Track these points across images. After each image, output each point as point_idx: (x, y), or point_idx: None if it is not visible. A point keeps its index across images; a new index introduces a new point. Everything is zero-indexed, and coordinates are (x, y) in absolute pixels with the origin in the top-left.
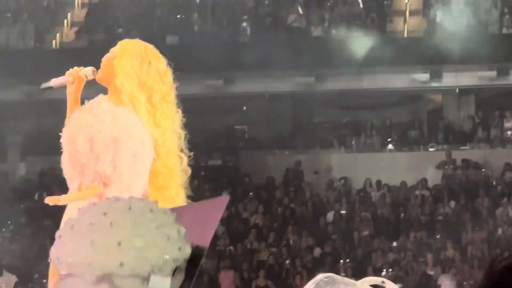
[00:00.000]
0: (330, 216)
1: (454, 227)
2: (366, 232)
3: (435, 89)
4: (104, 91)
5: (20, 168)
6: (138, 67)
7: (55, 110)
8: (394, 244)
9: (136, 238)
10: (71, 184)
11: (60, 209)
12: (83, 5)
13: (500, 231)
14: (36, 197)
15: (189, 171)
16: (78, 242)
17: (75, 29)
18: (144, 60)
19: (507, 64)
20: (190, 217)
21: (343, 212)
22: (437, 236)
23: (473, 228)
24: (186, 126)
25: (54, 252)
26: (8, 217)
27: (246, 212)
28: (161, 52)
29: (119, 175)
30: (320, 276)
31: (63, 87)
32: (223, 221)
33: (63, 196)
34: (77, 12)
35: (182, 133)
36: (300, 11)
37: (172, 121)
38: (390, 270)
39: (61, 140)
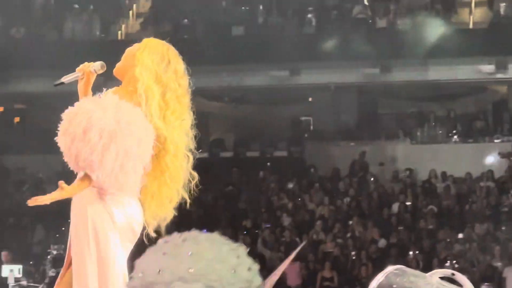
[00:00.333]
0: (395, 207)
1: None
2: (431, 224)
3: (500, 80)
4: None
5: None
6: (157, 63)
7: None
8: (460, 235)
9: (207, 251)
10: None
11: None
12: None
13: None
14: None
15: (196, 175)
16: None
17: (140, 20)
18: (164, 57)
19: None
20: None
21: (408, 203)
22: (503, 228)
23: None
24: (252, 117)
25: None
26: None
27: (312, 203)
28: (227, 43)
29: (104, 168)
30: (390, 268)
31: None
32: (289, 213)
33: (45, 196)
34: (142, 3)
35: (192, 133)
36: (366, 2)
37: (182, 120)
38: (455, 262)
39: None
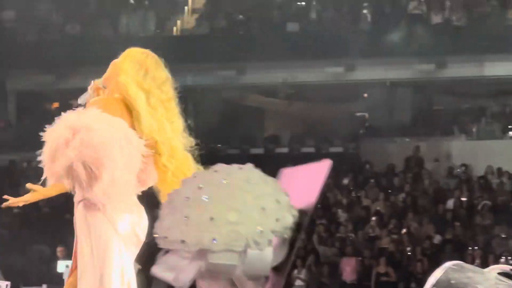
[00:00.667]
0: (450, 203)
1: None
2: (486, 220)
3: None
4: None
5: None
6: (136, 72)
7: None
8: None
9: (230, 212)
10: None
11: None
12: None
13: None
14: None
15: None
16: (174, 218)
17: (195, 16)
18: (142, 67)
19: None
20: (294, 181)
21: (463, 199)
22: None
23: None
24: (307, 113)
25: (156, 226)
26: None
27: (367, 199)
28: (281, 39)
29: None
30: (448, 264)
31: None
32: (345, 208)
33: (19, 198)
34: None
35: (186, 134)
36: None
37: (172, 122)
38: (510, 258)
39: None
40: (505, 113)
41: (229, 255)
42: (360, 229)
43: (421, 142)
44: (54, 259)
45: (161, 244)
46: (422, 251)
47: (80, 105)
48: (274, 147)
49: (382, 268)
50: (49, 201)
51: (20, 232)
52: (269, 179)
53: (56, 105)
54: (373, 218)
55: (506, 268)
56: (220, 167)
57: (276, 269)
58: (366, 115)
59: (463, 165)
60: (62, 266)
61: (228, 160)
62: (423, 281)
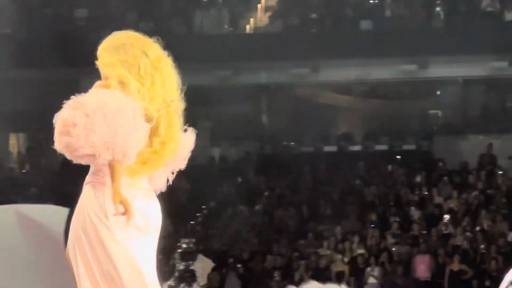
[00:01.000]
0: None
1: None
2: None
3: None
4: None
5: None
6: (114, 53)
7: (249, 96)
8: None
9: None
10: None
11: None
12: None
13: None
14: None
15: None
16: None
17: (269, 13)
18: (121, 44)
19: None
20: None
21: None
22: None
23: None
24: (380, 110)
25: None
26: (202, 202)
27: (440, 196)
28: (354, 37)
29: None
30: None
31: None
32: (417, 206)
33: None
34: None
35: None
36: None
37: (171, 101)
38: None
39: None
40: None
41: None
42: (433, 227)
43: (494, 139)
44: None
45: None
46: (496, 249)
47: None
48: (347, 144)
49: (456, 266)
50: None
51: None
52: None
53: None
54: (446, 216)
55: None
56: None
57: None
58: (439, 112)
59: None
60: None
61: (301, 157)
62: (498, 279)
